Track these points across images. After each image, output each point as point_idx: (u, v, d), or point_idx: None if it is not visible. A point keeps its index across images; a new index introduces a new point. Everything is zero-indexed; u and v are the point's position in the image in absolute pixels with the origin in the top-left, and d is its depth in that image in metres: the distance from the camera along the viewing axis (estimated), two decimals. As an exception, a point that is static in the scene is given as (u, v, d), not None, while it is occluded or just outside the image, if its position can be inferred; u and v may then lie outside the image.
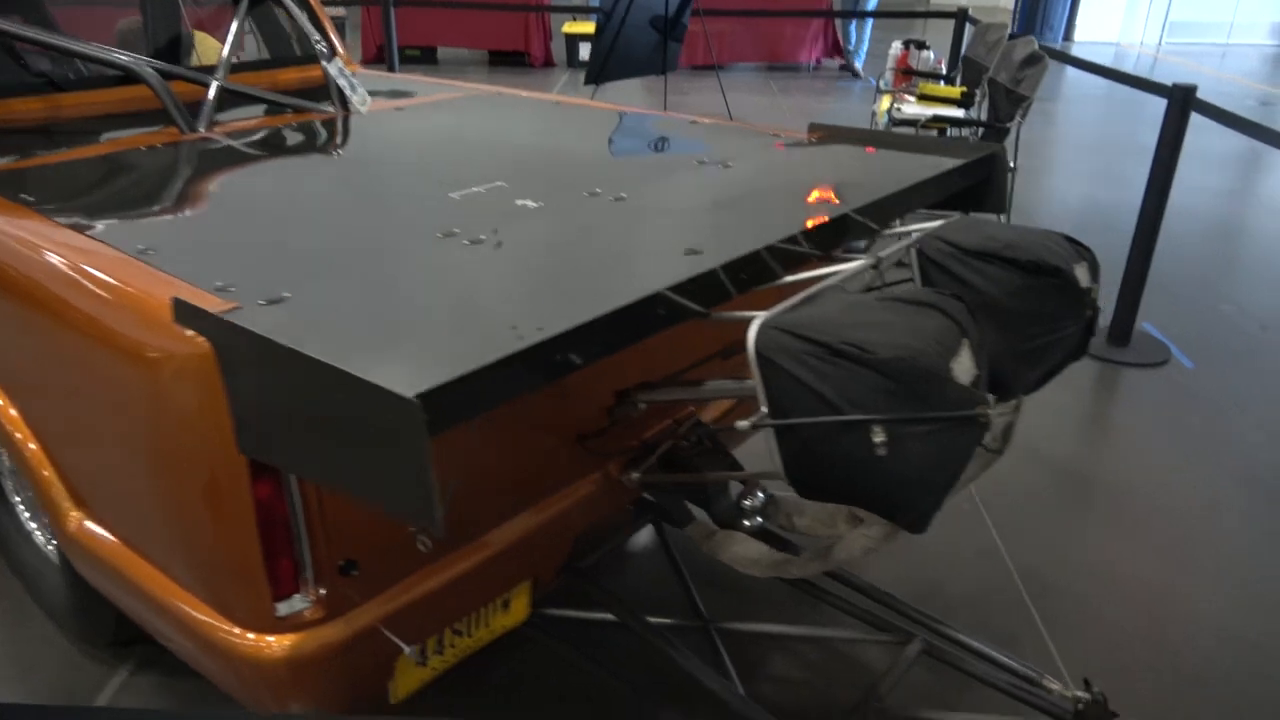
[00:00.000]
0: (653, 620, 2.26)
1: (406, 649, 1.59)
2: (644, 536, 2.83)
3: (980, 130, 5.05)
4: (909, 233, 1.79)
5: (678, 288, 1.43)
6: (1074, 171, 7.40)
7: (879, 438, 1.30)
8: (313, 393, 1.12)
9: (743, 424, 1.35)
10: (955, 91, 5.52)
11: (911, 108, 5.64)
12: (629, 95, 9.75)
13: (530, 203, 1.91)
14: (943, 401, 1.30)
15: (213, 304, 1.32)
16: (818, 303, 1.43)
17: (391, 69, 7.86)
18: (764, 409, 1.37)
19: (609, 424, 1.85)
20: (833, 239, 1.78)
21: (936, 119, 5.22)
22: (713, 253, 1.57)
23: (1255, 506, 3.09)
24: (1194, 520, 3.00)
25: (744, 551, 1.91)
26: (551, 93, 3.21)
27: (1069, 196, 6.66)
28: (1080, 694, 1.96)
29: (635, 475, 1.96)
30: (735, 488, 2.01)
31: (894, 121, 5.48)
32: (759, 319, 1.38)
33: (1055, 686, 1.99)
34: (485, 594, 1.86)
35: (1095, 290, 1.72)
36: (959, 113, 5.47)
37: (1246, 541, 2.90)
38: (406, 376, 1.07)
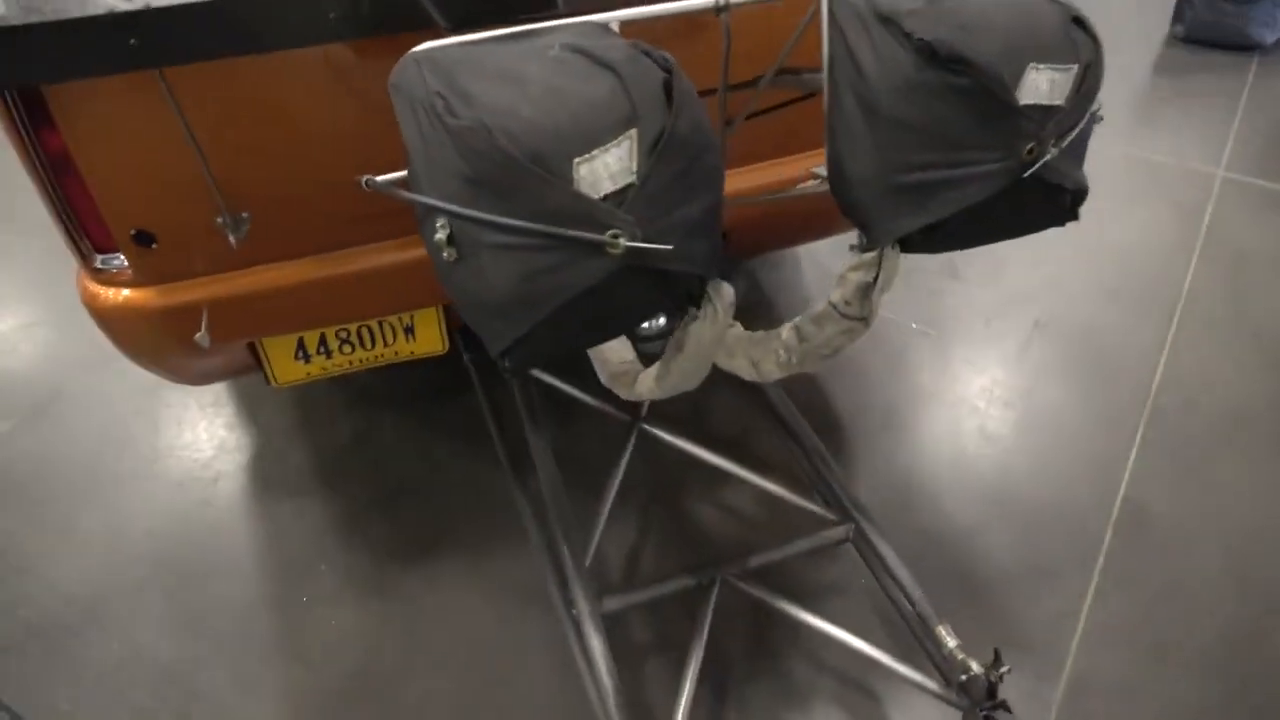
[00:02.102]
0: (591, 401, 2.07)
1: (198, 336, 1.59)
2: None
3: None
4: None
5: None
6: None
7: (439, 234, 0.94)
8: None
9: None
10: None
11: None
12: None
13: None
14: (539, 208, 0.90)
15: None
16: (506, 41, 1.03)
17: None
18: None
19: None
20: None
21: None
22: None
23: None
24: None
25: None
26: None
27: None
28: (973, 662, 1.48)
29: None
30: None
31: None
32: (423, 46, 1.03)
33: (951, 643, 1.52)
34: (359, 309, 1.79)
35: (1058, 116, 1.04)
36: None
37: None
38: None
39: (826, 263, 2.76)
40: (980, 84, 1.01)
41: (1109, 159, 3.22)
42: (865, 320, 1.22)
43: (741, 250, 2.06)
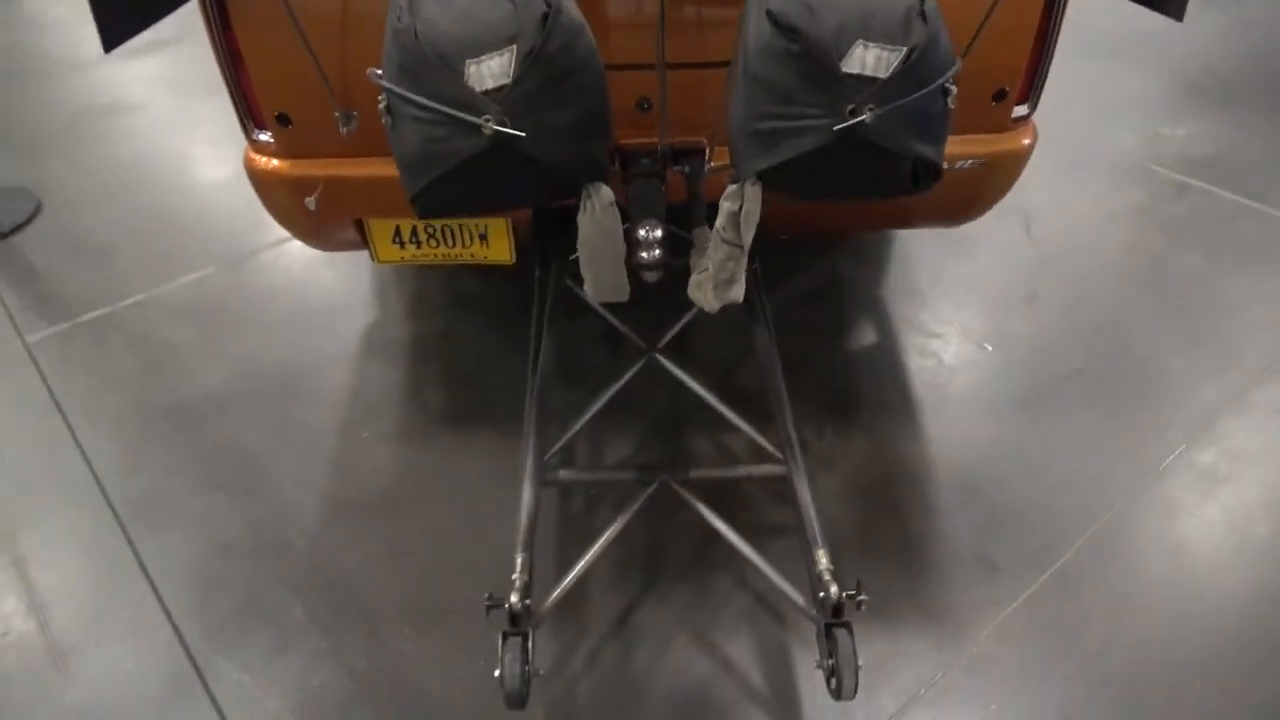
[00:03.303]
0: (617, 324, 2.39)
1: (308, 199, 2.08)
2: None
3: None
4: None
5: None
6: None
7: (380, 105, 1.32)
8: None
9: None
10: None
11: None
12: None
13: None
14: (435, 93, 1.25)
15: None
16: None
17: None
18: None
19: None
20: None
21: None
22: None
23: None
24: None
25: None
26: None
27: None
28: (834, 585, 1.65)
29: None
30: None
31: None
32: None
33: (823, 563, 1.70)
34: None
35: (878, 85, 1.23)
36: None
37: None
38: None
39: (913, 271, 2.89)
40: (808, 51, 1.24)
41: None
42: (741, 247, 1.46)
43: (783, 225, 2.29)
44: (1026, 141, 2.09)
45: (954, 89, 1.32)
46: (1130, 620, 1.91)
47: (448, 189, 1.33)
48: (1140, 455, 2.27)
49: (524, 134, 1.26)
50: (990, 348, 2.60)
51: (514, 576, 1.70)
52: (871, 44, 1.24)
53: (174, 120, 3.78)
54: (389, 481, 2.25)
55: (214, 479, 2.26)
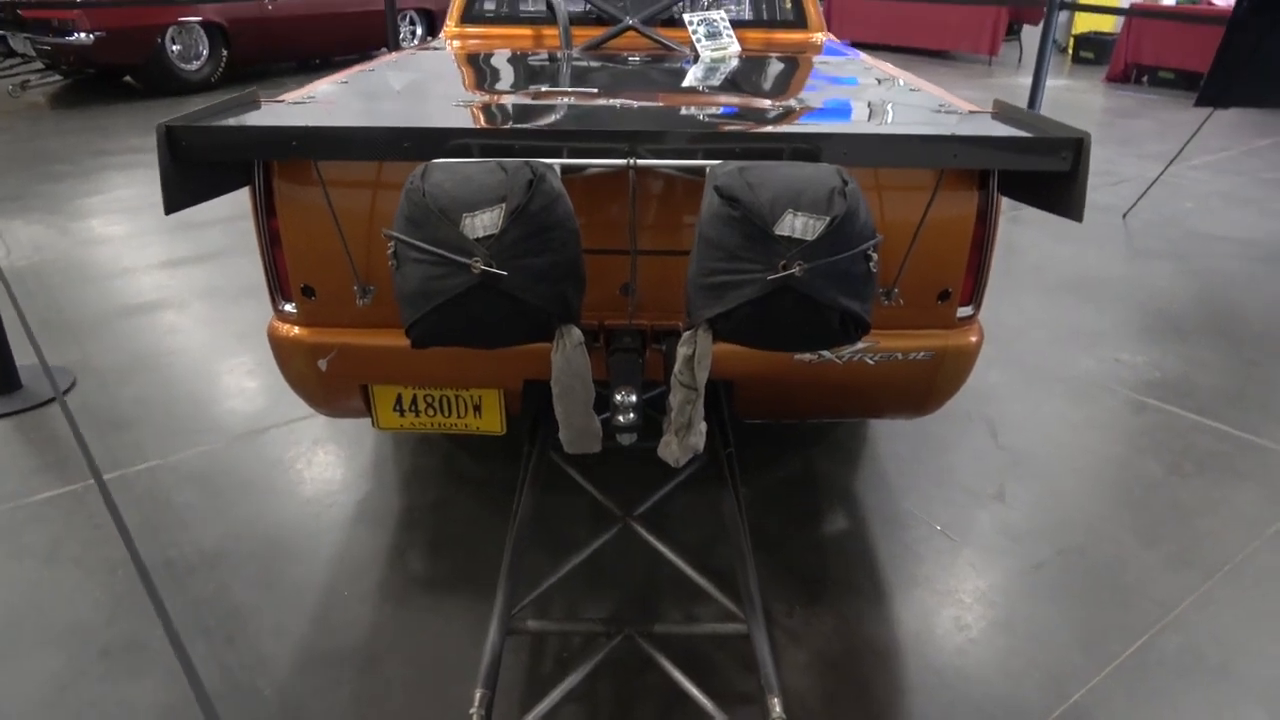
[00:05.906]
0: (594, 493, 2.53)
1: (320, 361, 2.31)
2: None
3: None
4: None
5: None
6: None
7: (389, 250, 1.56)
8: None
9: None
10: None
11: None
12: None
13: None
14: (435, 239, 1.49)
15: None
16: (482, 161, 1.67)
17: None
18: None
19: None
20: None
21: None
22: None
23: None
24: None
25: None
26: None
27: None
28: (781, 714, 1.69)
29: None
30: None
31: None
32: (437, 161, 1.71)
33: (776, 711, 1.74)
34: (442, 377, 2.41)
35: (806, 246, 1.46)
36: None
37: None
38: None
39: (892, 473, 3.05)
40: (748, 216, 1.50)
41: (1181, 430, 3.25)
42: (695, 389, 1.65)
43: (752, 408, 2.48)
44: (973, 339, 2.30)
45: (875, 256, 1.57)
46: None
47: (440, 319, 1.55)
48: (1101, 645, 2.31)
49: (506, 273, 1.49)
50: (956, 539, 2.70)
51: (471, 711, 1.74)
52: (800, 212, 1.49)
53: (206, 317, 4.13)
54: (363, 637, 2.30)
55: (198, 627, 2.31)
